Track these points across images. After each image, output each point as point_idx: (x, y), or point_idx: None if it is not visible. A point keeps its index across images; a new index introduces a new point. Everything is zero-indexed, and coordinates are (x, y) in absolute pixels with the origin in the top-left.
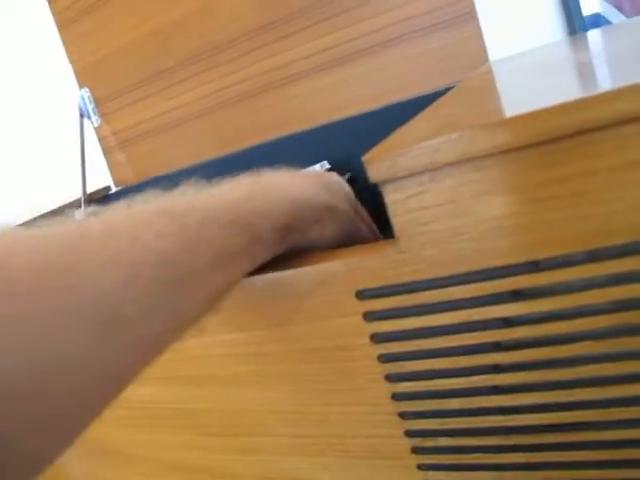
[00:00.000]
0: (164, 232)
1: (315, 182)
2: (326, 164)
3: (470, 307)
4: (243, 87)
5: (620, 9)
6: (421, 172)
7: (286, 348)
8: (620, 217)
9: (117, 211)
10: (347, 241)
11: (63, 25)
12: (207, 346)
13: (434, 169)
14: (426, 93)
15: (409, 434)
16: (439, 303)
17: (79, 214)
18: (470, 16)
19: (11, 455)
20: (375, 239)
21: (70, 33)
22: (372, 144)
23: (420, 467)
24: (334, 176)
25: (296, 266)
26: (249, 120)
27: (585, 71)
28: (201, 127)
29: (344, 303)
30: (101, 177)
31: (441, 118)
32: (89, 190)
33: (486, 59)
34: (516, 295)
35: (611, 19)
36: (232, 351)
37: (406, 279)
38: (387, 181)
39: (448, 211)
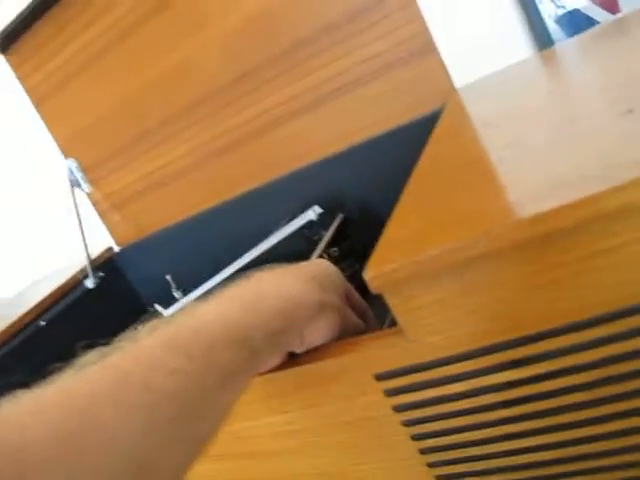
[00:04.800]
0: (173, 368)
1: (306, 279)
2: (317, 208)
3: (475, 377)
4: (224, 139)
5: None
6: (412, 279)
7: (321, 423)
8: (588, 297)
9: (124, 352)
10: (338, 331)
11: (39, 101)
12: (254, 428)
13: (424, 277)
14: (402, 124)
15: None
16: (447, 377)
17: (89, 283)
18: (430, 47)
19: None
20: (365, 321)
21: (47, 108)
22: (360, 179)
23: None
24: (323, 265)
25: (321, 359)
26: (235, 170)
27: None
28: (189, 181)
29: (365, 384)
30: (103, 238)
31: (421, 220)
32: (93, 253)
33: (452, 87)
34: (513, 363)
35: (595, 17)
36: (276, 430)
37: (416, 361)
38: (385, 290)
39: (442, 306)
